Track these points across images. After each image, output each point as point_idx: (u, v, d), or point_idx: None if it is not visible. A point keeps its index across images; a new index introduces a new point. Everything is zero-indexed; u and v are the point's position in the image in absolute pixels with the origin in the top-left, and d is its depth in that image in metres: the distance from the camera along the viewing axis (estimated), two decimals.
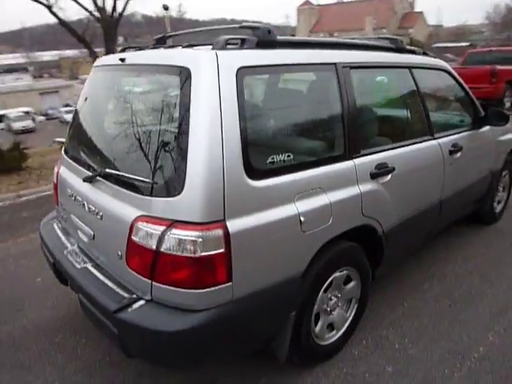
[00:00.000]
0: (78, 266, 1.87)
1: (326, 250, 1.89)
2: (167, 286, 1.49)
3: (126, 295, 1.62)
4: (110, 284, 1.70)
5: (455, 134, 2.81)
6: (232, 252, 1.48)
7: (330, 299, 2.09)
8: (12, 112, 28.52)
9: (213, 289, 1.48)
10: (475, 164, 3.07)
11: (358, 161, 1.99)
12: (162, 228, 1.47)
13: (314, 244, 1.78)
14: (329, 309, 2.08)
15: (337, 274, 2.03)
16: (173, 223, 1.46)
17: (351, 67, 2.07)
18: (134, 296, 1.60)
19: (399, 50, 2.54)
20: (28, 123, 27.05)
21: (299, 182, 1.71)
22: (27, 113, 29.30)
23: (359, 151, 2.02)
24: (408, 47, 2.66)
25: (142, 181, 1.58)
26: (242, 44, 1.70)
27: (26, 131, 24.26)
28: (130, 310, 1.54)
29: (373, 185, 2.05)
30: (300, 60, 1.88)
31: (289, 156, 1.71)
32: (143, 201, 1.56)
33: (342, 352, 2.21)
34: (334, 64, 1.98)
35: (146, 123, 1.75)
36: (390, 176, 2.16)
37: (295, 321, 1.80)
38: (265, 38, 1.75)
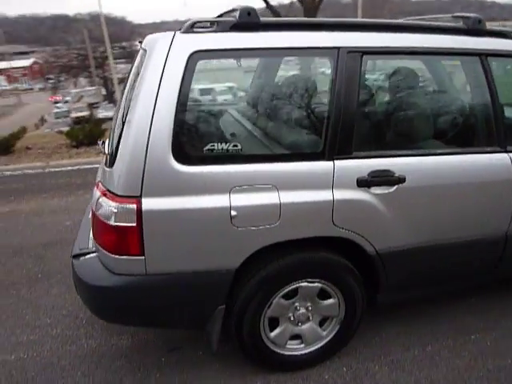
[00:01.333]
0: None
1: (281, 254, 1.75)
2: (99, 246, 1.69)
3: (90, 246, 1.89)
4: (90, 235, 2.01)
5: None
6: (144, 228, 1.56)
7: (297, 309, 1.91)
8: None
9: (126, 258, 1.61)
10: None
11: (340, 163, 1.71)
12: (99, 194, 1.66)
13: (251, 242, 1.66)
14: (293, 318, 1.92)
15: (303, 284, 1.84)
16: (106, 192, 1.64)
17: (364, 53, 1.75)
18: (93, 249, 1.85)
19: (472, 31, 1.96)
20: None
21: (241, 174, 1.62)
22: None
23: (349, 152, 1.73)
24: (492, 28, 2.02)
25: (107, 152, 1.79)
26: (215, 26, 1.67)
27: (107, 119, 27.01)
28: (82, 258, 1.82)
29: (358, 194, 1.73)
30: (286, 44, 1.72)
31: (235, 146, 1.63)
32: (104, 169, 1.78)
33: (311, 370, 2.01)
34: (337, 48, 1.72)
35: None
36: (394, 187, 1.77)
37: (226, 315, 1.75)
38: (243, 19, 1.67)
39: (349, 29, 1.80)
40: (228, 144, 1.62)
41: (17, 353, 2.20)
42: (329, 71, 1.74)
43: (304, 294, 1.89)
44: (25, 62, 54.71)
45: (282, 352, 1.96)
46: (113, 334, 2.31)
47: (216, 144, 1.61)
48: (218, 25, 1.67)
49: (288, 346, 1.97)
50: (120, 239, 1.59)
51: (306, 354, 2.00)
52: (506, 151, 1.95)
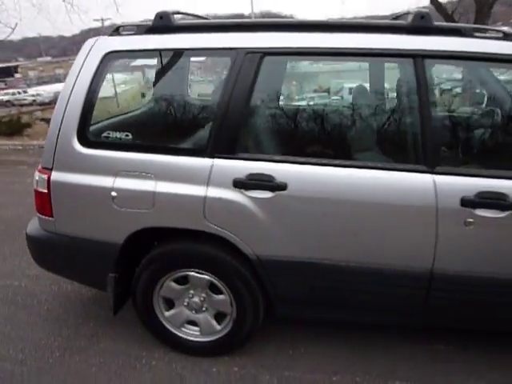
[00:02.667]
0: None
1: (164, 239, 1.90)
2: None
3: None
4: None
5: (505, 178, 1.58)
6: (52, 195, 1.92)
7: (191, 297, 2.02)
8: None
9: (44, 217, 2.00)
10: None
11: (220, 161, 1.75)
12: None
13: (129, 223, 1.85)
14: (188, 304, 2.03)
15: (191, 273, 1.95)
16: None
17: (265, 53, 1.73)
18: None
19: (412, 29, 1.67)
20: None
21: (126, 160, 1.82)
22: None
23: (232, 152, 1.75)
24: (443, 24, 1.67)
25: None
26: (135, 30, 1.91)
27: None
28: (33, 218, 2.28)
29: (233, 194, 1.73)
30: (191, 45, 1.83)
31: (127, 136, 1.84)
32: None
33: (203, 359, 2.09)
34: (235, 49, 1.75)
35: None
36: (273, 194, 1.71)
37: (117, 283, 1.98)
38: (156, 23, 1.86)
39: (252, 29, 1.79)
40: (121, 133, 1.85)
41: None
42: (225, 72, 1.78)
43: (195, 284, 1.98)
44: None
45: (177, 333, 2.09)
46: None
47: (111, 132, 1.86)
48: (138, 28, 1.89)
49: (184, 330, 2.10)
50: (40, 202, 1.99)
51: (200, 342, 2.09)
52: (433, 172, 1.62)
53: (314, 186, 1.69)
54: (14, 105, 26.05)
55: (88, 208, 1.91)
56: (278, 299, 1.92)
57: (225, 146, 1.75)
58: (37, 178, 1.97)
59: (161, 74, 2.07)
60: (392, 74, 1.77)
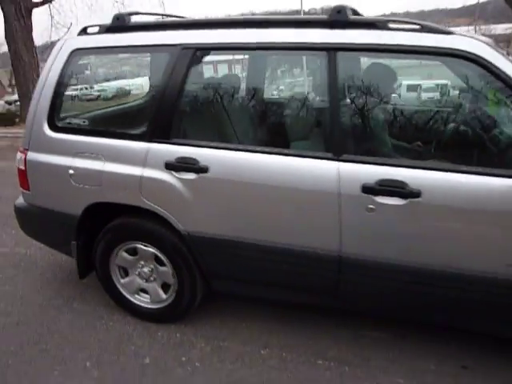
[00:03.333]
0: None
1: (113, 213, 2.16)
2: None
3: None
4: None
5: (405, 166, 1.63)
6: (27, 172, 2.26)
7: (142, 267, 2.27)
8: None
9: (24, 191, 2.35)
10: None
11: (156, 145, 1.96)
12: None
13: (84, 198, 2.13)
14: (139, 273, 2.28)
15: (139, 246, 2.19)
16: None
17: (197, 49, 1.92)
18: None
19: (332, 24, 1.76)
20: None
21: (82, 143, 2.10)
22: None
23: (166, 137, 1.96)
24: (360, 18, 1.73)
25: None
26: (98, 29, 2.18)
27: None
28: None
29: (164, 175, 1.94)
30: (141, 42, 2.06)
31: (84, 122, 2.12)
32: None
33: (152, 324, 2.33)
34: (174, 45, 1.95)
35: None
36: (197, 175, 1.89)
37: (79, 249, 2.28)
38: (114, 24, 2.12)
39: (188, 28, 1.97)
40: (80, 120, 2.13)
41: None
42: (164, 65, 1.98)
43: (143, 255, 2.22)
44: None
45: (131, 299, 2.36)
46: None
47: (72, 119, 2.15)
48: (100, 28, 2.16)
49: (137, 297, 2.35)
50: (20, 178, 2.34)
51: (150, 309, 2.33)
52: (338, 159, 1.71)
53: (233, 170, 1.85)
54: (81, 100, 28.51)
55: (53, 183, 2.22)
56: (211, 275, 2.11)
57: (160, 131, 1.96)
58: (18, 157, 2.32)
59: (122, 67, 2.34)
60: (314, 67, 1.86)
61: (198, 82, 2.06)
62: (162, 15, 2.30)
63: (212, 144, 1.89)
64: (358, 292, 1.89)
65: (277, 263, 1.93)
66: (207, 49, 1.94)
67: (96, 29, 2.19)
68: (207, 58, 2.05)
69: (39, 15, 11.26)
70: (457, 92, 1.90)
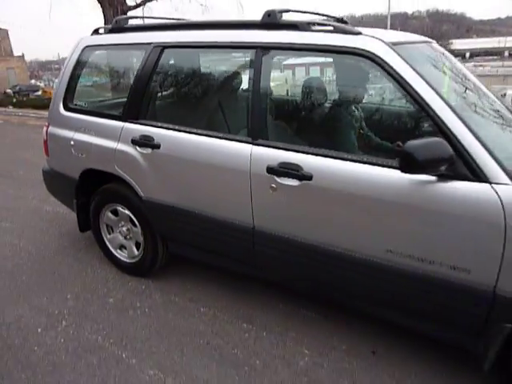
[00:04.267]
0: None
1: (100, 179, 2.66)
2: None
3: None
4: None
5: (301, 152, 1.82)
6: (48, 141, 2.88)
7: (122, 226, 2.75)
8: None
9: (46, 157, 2.98)
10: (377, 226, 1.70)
11: (128, 125, 2.40)
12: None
13: (80, 164, 2.66)
14: (120, 231, 2.76)
15: (119, 208, 2.67)
16: None
17: (164, 47, 2.32)
18: None
19: (263, 25, 2.01)
20: None
21: (82, 121, 2.63)
22: None
23: (136, 118, 2.39)
24: (285, 20, 1.95)
25: None
26: (105, 31, 2.70)
27: None
28: None
29: (130, 149, 2.37)
30: (129, 41, 2.53)
31: (85, 104, 2.65)
32: None
33: (129, 276, 2.80)
34: (149, 44, 2.38)
35: None
36: (152, 151, 2.29)
37: (78, 207, 2.83)
38: (114, 26, 2.63)
39: (160, 29, 2.38)
40: (82, 103, 2.67)
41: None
42: (142, 60, 2.41)
43: (122, 216, 2.69)
44: None
45: (115, 253, 2.85)
46: None
47: (78, 101, 2.70)
48: (105, 29, 2.68)
49: (119, 251, 2.84)
50: (44, 146, 2.97)
51: (127, 262, 2.80)
52: (253, 143, 1.96)
53: (178, 148, 2.21)
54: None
55: (62, 151, 2.80)
56: (165, 237, 2.49)
57: (131, 113, 2.40)
58: (43, 130, 2.96)
59: (116, 61, 2.86)
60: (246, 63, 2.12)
61: (163, 73, 2.44)
62: (317, 13, 2.49)
63: (164, 125, 2.27)
64: (269, 263, 2.12)
65: (208, 231, 2.24)
66: (171, 46, 2.31)
67: (103, 30, 2.71)
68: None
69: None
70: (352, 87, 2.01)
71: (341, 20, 2.59)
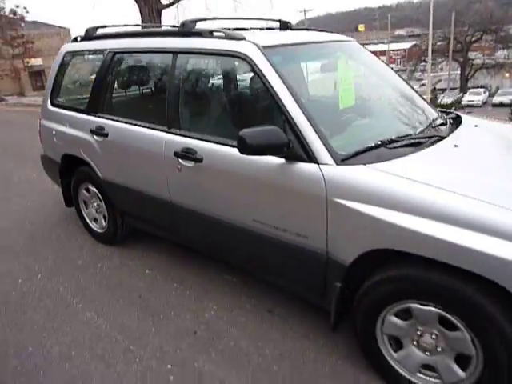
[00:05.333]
0: None
1: (76, 163, 3.23)
2: None
3: None
4: None
5: (196, 139, 2.22)
6: (40, 131, 3.50)
7: (94, 202, 3.30)
8: None
9: (41, 144, 3.61)
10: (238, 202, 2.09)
11: (89, 117, 2.93)
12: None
13: (60, 150, 3.24)
14: (92, 206, 3.32)
15: (90, 186, 3.23)
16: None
17: (115, 52, 2.81)
18: None
19: (180, 33, 2.41)
20: (477, 99, 30.11)
21: (59, 113, 3.21)
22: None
23: (95, 111, 2.90)
24: (196, 29, 2.33)
25: None
26: (80, 39, 3.25)
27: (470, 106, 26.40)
28: None
29: (90, 138, 2.90)
30: (94, 47, 3.05)
31: (64, 100, 3.22)
32: None
33: (101, 244, 3.36)
34: (105, 50, 2.88)
35: None
36: (102, 138, 2.79)
37: (63, 186, 3.43)
38: (86, 35, 3.16)
39: (115, 37, 2.86)
40: (63, 99, 3.24)
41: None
42: (100, 63, 2.92)
43: (93, 194, 3.24)
44: (405, 45, 59.67)
45: (91, 225, 3.42)
46: None
47: (61, 99, 3.27)
48: (81, 38, 3.23)
49: (93, 223, 3.40)
50: (39, 135, 3.60)
51: (98, 232, 3.36)
52: (168, 131, 2.38)
53: (119, 136, 2.69)
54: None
55: (49, 140, 3.40)
56: (122, 211, 2.99)
57: (92, 108, 2.92)
58: (38, 122, 3.58)
59: (87, 64, 3.39)
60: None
61: (114, 74, 2.91)
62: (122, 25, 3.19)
63: (111, 117, 2.77)
64: (185, 231, 2.55)
65: (144, 205, 2.71)
66: (119, 52, 2.79)
67: (79, 38, 3.26)
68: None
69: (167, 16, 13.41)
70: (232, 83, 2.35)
71: (284, 22, 2.93)
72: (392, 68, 2.95)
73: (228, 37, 2.18)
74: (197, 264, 2.97)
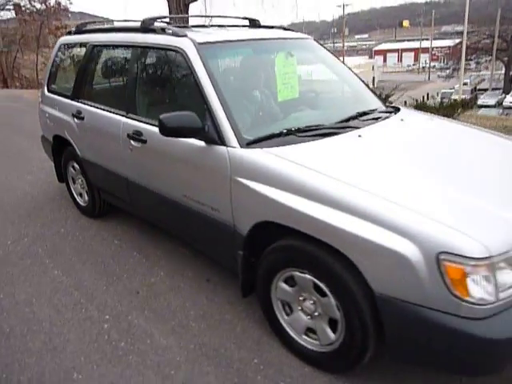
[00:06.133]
0: None
1: (64, 143, 3.64)
2: None
3: None
4: None
5: (143, 122, 2.54)
6: (39, 114, 3.94)
7: (78, 178, 3.71)
8: None
9: (41, 126, 4.08)
10: (172, 179, 2.42)
11: (73, 102, 3.32)
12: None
13: (52, 131, 3.67)
14: (77, 182, 3.74)
15: (74, 164, 3.64)
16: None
17: (94, 45, 3.17)
18: None
19: (141, 30, 2.72)
20: None
21: (52, 98, 3.63)
22: None
23: (77, 98, 3.29)
24: (152, 26, 2.63)
25: None
26: (72, 32, 3.65)
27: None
28: None
29: (71, 120, 3.29)
30: (80, 40, 3.43)
31: (56, 87, 3.64)
32: None
33: (82, 216, 3.77)
34: (88, 43, 3.26)
35: None
36: (80, 121, 3.18)
37: (55, 163, 3.87)
38: (78, 29, 3.55)
39: (95, 32, 3.23)
40: (56, 86, 3.66)
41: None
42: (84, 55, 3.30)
43: (77, 171, 3.65)
44: (449, 42, 57.20)
45: (77, 199, 3.84)
46: None
47: (54, 86, 3.70)
48: (73, 31, 3.63)
49: (79, 198, 3.81)
50: (39, 120, 4.05)
51: (83, 206, 3.77)
52: (126, 116, 2.72)
53: (92, 119, 3.06)
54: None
55: (45, 122, 3.84)
56: (98, 188, 3.37)
57: (75, 94, 3.31)
58: (38, 106, 4.03)
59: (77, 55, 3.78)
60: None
61: (93, 65, 3.27)
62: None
63: (88, 103, 3.15)
64: (139, 204, 2.88)
65: (111, 181, 3.08)
66: (97, 45, 3.15)
67: (72, 31, 3.66)
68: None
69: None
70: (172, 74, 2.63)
71: (253, 21, 3.19)
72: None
73: (174, 34, 2.47)
74: (159, 238, 3.30)
